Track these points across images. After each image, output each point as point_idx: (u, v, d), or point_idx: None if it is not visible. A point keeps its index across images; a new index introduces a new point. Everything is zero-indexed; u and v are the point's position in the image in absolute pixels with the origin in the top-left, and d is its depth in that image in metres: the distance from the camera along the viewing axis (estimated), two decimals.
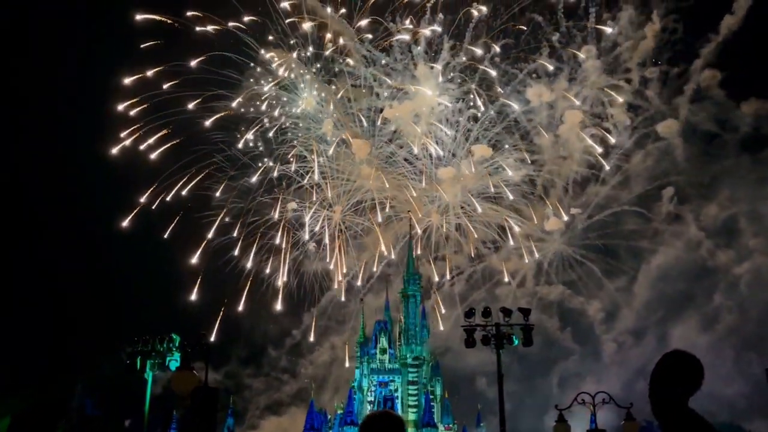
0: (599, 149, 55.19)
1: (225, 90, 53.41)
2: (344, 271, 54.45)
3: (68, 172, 52.55)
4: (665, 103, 55.37)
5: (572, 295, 55.25)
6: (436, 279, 56.09)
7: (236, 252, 53.30)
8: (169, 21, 52.03)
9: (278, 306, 53.97)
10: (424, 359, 50.92)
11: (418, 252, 55.59)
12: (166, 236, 51.88)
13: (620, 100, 55.02)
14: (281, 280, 54.02)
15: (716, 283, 51.62)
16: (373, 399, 49.92)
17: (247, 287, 52.61)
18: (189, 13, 52.40)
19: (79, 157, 51.75)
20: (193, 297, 50.62)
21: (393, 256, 54.83)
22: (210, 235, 52.77)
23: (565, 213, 55.71)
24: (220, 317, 50.39)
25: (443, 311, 54.95)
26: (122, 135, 51.93)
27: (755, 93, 53.40)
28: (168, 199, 52.43)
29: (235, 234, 53.44)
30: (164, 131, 52.30)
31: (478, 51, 55.04)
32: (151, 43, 51.21)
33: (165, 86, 51.70)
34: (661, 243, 54.38)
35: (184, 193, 52.87)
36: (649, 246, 54.54)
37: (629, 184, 55.66)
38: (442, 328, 52.71)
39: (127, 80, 51.62)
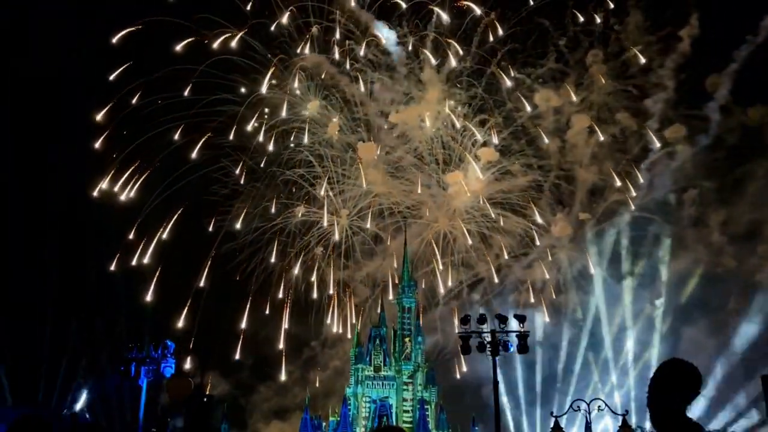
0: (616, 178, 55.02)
1: (229, 94, 53.14)
2: (353, 321, 53.83)
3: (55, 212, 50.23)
4: (672, 107, 54.64)
5: (590, 302, 54.37)
6: (442, 286, 55.87)
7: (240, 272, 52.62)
8: (141, 28, 50.75)
9: (282, 376, 53.89)
10: (419, 366, 50.83)
11: (438, 255, 55.53)
12: (148, 298, 50.09)
13: (657, 145, 54.42)
14: (281, 343, 53.64)
15: (734, 289, 50.44)
16: (367, 407, 49.79)
17: (241, 341, 51.98)
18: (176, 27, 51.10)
19: (63, 198, 49.88)
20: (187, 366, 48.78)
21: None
22: (201, 283, 51.43)
23: (573, 219, 55.48)
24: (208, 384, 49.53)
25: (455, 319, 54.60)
26: (106, 173, 50.50)
27: (761, 99, 52.61)
28: (149, 252, 50.76)
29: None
30: (141, 167, 50.92)
31: (509, 82, 55.05)
32: (127, 65, 49.85)
33: (158, 100, 50.56)
34: (681, 248, 53.33)
35: (165, 236, 51.31)
36: (668, 251, 53.55)
37: (650, 189, 54.85)
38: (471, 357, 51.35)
39: (100, 115, 50.10)
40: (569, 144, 55.81)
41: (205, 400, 13.90)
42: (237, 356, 51.45)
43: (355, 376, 50.27)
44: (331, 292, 55.38)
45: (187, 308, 49.95)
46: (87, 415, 46.08)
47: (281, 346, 53.53)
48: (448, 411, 50.81)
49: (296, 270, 54.68)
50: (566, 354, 53.03)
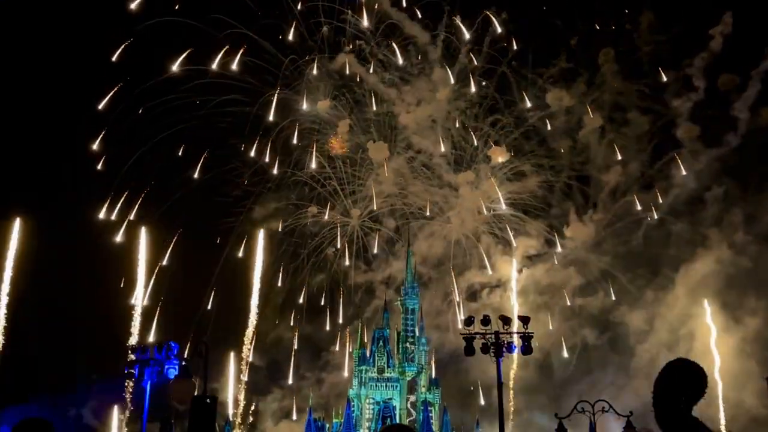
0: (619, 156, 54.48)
1: (239, 95, 52.88)
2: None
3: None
4: (702, 107, 53.61)
5: (610, 305, 53.71)
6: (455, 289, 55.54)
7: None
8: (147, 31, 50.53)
9: (293, 416, 53.85)
10: (423, 368, 50.66)
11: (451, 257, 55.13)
12: (151, 339, 49.20)
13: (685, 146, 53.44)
14: (290, 378, 53.77)
15: (757, 291, 49.34)
16: (371, 409, 49.65)
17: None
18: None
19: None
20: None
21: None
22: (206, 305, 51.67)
23: (587, 220, 54.96)
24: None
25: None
26: (109, 194, 50.55)
27: None
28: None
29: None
30: (147, 178, 50.84)
31: (528, 103, 54.90)
32: (130, 70, 49.79)
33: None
34: (706, 248, 52.19)
35: (165, 262, 51.07)
36: (691, 252, 52.43)
37: (673, 188, 54.06)
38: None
39: (96, 145, 50.13)
40: (585, 144, 55.57)
41: (208, 401, 13.86)
42: (246, 378, 51.34)
43: (359, 378, 50.15)
44: (341, 321, 55.42)
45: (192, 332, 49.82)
46: (89, 417, 46.12)
47: (290, 381, 53.71)
48: (458, 412, 50.71)
49: (303, 298, 54.53)
50: (586, 357, 52.44)
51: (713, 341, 48.94)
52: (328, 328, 55.64)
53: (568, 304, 54.25)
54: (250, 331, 50.56)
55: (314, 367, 55.58)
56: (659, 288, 52.67)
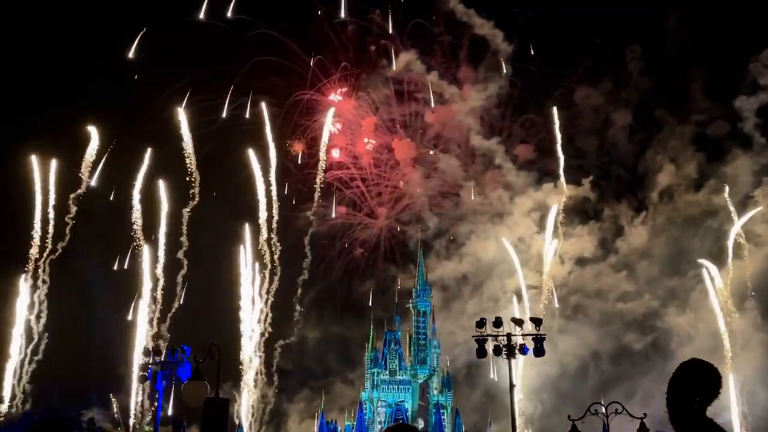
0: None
1: (266, 96, 52.84)
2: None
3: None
4: (711, 100, 53.21)
5: (655, 309, 52.93)
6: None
7: None
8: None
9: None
10: (435, 371, 50.54)
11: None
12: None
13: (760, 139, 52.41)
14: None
15: None
16: (383, 411, 49.58)
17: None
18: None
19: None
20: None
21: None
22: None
23: (637, 223, 54.21)
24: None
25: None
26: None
27: None
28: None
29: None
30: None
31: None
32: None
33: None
34: (756, 245, 51.30)
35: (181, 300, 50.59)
36: (738, 251, 51.44)
37: (721, 188, 53.04)
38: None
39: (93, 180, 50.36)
40: (618, 144, 55.04)
41: (219, 402, 13.93)
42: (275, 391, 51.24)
43: (371, 381, 50.09)
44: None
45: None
46: (102, 420, 46.33)
47: (318, 382, 53.47)
48: (477, 414, 50.52)
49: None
50: (636, 365, 51.79)
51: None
52: (357, 329, 55.40)
53: (613, 308, 53.51)
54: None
55: (344, 368, 55.46)
56: (706, 289, 51.52)
